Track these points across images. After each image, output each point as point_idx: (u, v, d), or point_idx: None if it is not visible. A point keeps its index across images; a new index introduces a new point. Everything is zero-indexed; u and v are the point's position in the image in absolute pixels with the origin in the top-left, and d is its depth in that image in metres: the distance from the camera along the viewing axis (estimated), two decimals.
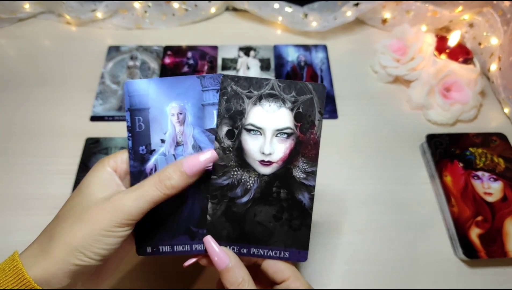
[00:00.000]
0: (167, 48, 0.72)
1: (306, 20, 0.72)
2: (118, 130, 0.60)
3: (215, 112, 0.35)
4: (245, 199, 0.34)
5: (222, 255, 0.32)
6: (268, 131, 0.34)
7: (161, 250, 0.35)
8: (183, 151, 0.35)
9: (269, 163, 0.34)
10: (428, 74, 0.62)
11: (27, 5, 0.73)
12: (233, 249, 0.34)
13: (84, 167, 0.56)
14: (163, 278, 0.47)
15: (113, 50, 0.71)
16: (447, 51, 0.66)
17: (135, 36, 0.74)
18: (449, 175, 0.54)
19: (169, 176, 0.31)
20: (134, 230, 0.32)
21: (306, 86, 0.34)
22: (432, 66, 0.64)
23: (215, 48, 0.72)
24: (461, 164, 0.55)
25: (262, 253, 0.34)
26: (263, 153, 0.34)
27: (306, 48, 0.72)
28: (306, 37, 0.75)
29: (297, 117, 0.34)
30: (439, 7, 0.69)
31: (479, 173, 0.54)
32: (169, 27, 0.76)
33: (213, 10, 0.76)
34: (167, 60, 0.70)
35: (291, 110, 0.34)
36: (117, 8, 0.74)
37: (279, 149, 0.34)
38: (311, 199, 0.34)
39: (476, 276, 0.48)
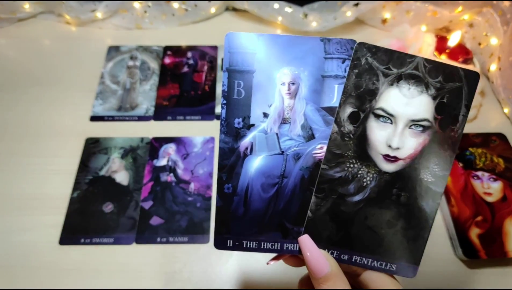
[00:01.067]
0: (167, 48, 0.72)
1: (306, 20, 0.72)
2: (118, 130, 0.60)
3: (336, 87, 0.29)
4: (357, 197, 0.29)
5: (321, 260, 0.27)
6: (400, 120, 0.28)
7: (245, 245, 0.30)
8: (289, 130, 0.29)
9: (395, 159, 0.29)
10: None
11: (27, 5, 0.73)
12: (331, 253, 0.29)
13: (84, 167, 0.56)
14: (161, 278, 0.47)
15: (113, 50, 0.71)
16: (447, 51, 0.66)
17: (135, 36, 0.74)
18: (449, 175, 0.54)
19: None
20: (215, 217, 0.29)
21: (457, 72, 0.28)
22: None
23: (215, 48, 0.72)
24: (461, 164, 0.55)
25: (366, 262, 0.29)
26: (389, 146, 0.28)
27: None
28: None
29: (439, 108, 0.28)
30: (439, 7, 0.69)
31: (479, 173, 0.54)
32: (169, 27, 0.76)
33: (213, 10, 0.76)
34: (167, 60, 0.70)
35: (434, 98, 0.28)
36: (117, 8, 0.74)
37: (410, 144, 0.28)
38: (435, 208, 0.29)
39: (476, 276, 0.48)
